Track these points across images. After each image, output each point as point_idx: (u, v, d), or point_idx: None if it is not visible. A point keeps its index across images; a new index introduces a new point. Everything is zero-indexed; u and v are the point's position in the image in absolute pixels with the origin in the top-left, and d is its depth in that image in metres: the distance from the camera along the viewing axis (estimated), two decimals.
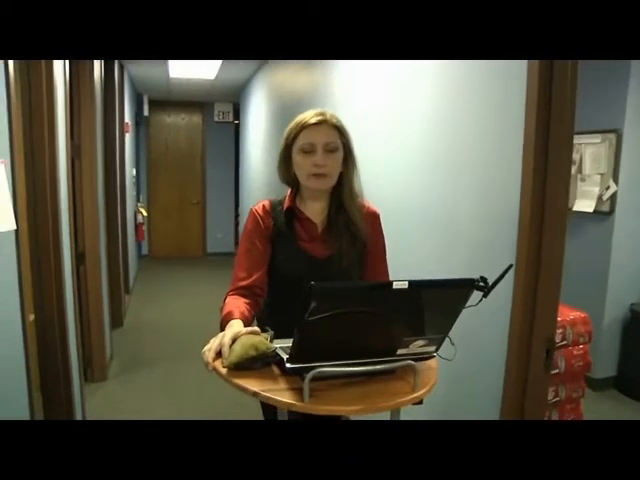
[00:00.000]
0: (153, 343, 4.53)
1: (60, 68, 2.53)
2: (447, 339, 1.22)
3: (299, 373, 1.09)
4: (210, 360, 1.17)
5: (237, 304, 1.40)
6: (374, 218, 1.62)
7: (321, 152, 1.47)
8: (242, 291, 1.47)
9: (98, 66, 3.80)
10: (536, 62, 1.44)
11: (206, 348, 1.20)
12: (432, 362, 1.26)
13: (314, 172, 1.48)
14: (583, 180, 3.68)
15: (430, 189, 2.09)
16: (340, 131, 1.51)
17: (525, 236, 1.50)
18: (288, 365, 1.11)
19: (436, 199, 2.04)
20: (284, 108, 4.60)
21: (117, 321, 4.88)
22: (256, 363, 1.18)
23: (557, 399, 2.14)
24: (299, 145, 1.49)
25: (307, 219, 1.57)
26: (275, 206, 1.59)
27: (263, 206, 1.59)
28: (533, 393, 1.58)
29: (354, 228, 1.54)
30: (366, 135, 2.77)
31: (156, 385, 3.67)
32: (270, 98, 5.26)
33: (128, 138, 6.05)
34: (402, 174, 2.34)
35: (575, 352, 2.11)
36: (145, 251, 8.41)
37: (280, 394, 1.08)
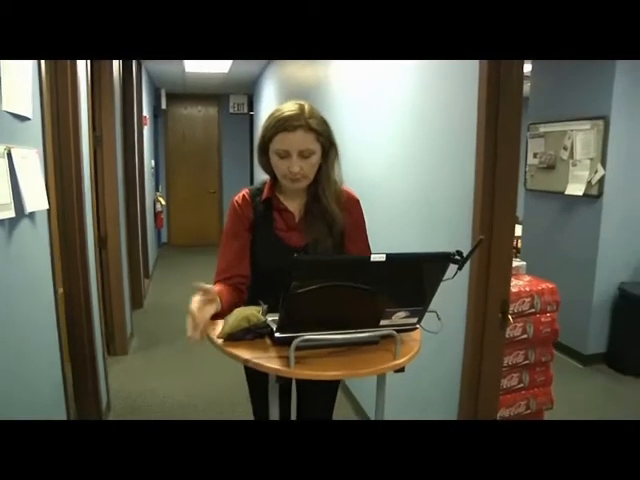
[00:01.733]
0: (170, 323, 4.83)
1: (83, 66, 2.81)
2: (435, 314, 1.29)
3: (287, 342, 1.16)
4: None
5: (220, 289, 1.47)
6: (354, 203, 1.63)
7: (296, 158, 1.47)
8: (226, 281, 1.54)
9: (117, 63, 4.08)
10: (485, 62, 1.67)
11: (188, 333, 1.29)
12: (416, 334, 1.32)
13: (290, 177, 1.50)
14: (574, 165, 3.87)
15: (410, 178, 2.34)
16: (317, 132, 1.48)
17: (478, 214, 1.73)
18: (277, 335, 1.21)
19: (416, 187, 2.28)
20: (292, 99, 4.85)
21: (137, 302, 5.21)
22: (248, 334, 1.27)
23: (527, 362, 2.37)
24: (275, 148, 1.49)
25: (285, 209, 1.60)
26: (254, 195, 1.61)
27: (243, 196, 1.62)
28: (490, 347, 1.83)
29: (329, 218, 1.56)
30: (354, 126, 3.02)
31: (171, 360, 3.98)
32: (280, 90, 5.51)
33: (146, 130, 6.35)
34: (387, 164, 2.58)
35: (543, 319, 2.33)
36: (164, 239, 8.75)
37: (269, 361, 1.17)
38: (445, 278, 1.20)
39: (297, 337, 1.16)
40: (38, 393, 1.90)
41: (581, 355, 3.91)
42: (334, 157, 1.56)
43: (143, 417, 3.10)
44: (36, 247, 1.93)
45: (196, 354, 3.97)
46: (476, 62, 1.73)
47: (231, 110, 8.71)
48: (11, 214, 1.59)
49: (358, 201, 1.65)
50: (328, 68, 3.57)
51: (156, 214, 7.42)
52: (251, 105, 8.49)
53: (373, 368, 1.20)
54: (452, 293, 1.91)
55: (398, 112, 2.43)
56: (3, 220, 1.56)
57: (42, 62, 1.99)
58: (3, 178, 1.56)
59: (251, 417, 1.85)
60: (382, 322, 1.25)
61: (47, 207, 1.95)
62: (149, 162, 6.76)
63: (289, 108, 1.49)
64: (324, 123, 1.52)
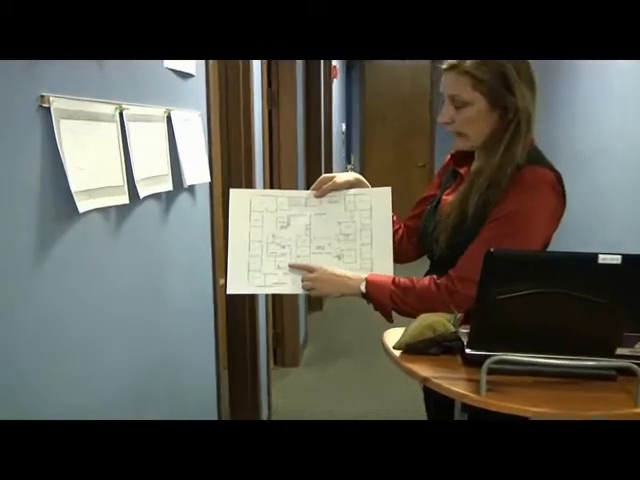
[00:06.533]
0: (354, 330, 5.06)
1: None
2: None
3: (480, 362, 1.17)
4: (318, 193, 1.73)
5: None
6: (520, 187, 1.53)
7: (447, 104, 1.58)
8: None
9: None
10: None
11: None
12: None
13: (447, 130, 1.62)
14: None
15: None
16: (475, 78, 1.51)
17: None
18: (467, 351, 1.25)
19: None
20: None
21: (315, 303, 5.54)
22: (432, 347, 1.33)
23: None
24: None
25: (459, 172, 1.71)
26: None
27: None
28: None
29: (480, 197, 1.55)
30: None
31: (349, 377, 4.20)
32: None
33: (336, 85, 6.64)
34: None
35: None
36: None
37: (454, 383, 1.20)
38: None
39: (491, 356, 1.17)
40: (184, 404, 2.13)
41: None
42: (517, 126, 1.54)
43: None
44: (195, 228, 2.18)
45: (381, 371, 4.10)
46: None
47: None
48: (169, 187, 1.81)
49: (534, 186, 1.53)
50: None
51: None
52: None
53: (597, 411, 1.16)
54: None
55: None
56: (160, 194, 1.78)
57: None
58: (162, 146, 1.79)
59: None
60: (619, 350, 1.23)
61: (209, 180, 2.19)
62: (339, 126, 7.08)
63: None
64: (493, 72, 1.51)
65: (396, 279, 1.58)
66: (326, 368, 4.38)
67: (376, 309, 1.61)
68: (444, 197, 1.71)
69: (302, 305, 4.61)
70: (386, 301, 1.56)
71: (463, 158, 1.72)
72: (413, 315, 1.54)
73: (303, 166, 4.57)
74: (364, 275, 1.61)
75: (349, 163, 8.40)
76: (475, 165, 1.65)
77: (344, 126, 7.86)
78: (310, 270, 1.64)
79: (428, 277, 1.58)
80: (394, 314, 1.60)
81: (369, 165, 9.02)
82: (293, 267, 1.66)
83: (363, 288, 1.59)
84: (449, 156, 1.81)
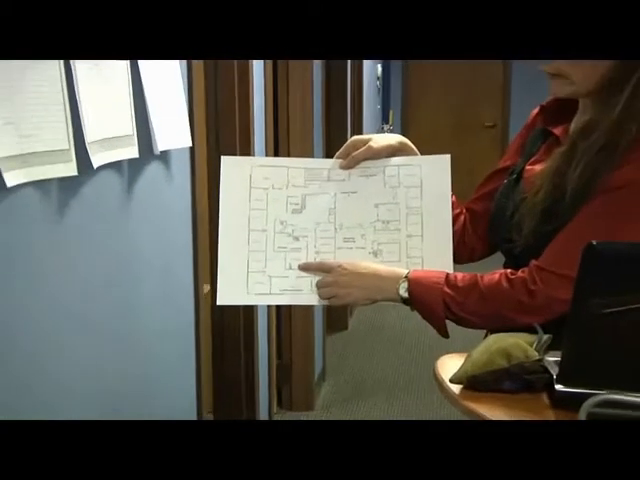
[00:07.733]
0: (393, 357, 5.11)
1: None
2: None
3: (575, 402, 1.16)
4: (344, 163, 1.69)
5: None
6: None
7: None
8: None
9: None
10: None
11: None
12: None
13: (543, 69, 1.61)
14: None
15: None
16: None
17: None
18: (558, 387, 1.26)
19: None
20: None
21: (338, 321, 5.60)
22: (507, 381, 1.33)
23: None
24: None
25: (552, 133, 1.70)
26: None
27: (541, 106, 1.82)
28: None
29: (587, 166, 1.52)
30: None
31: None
32: None
33: None
34: None
35: None
36: None
37: None
38: None
39: (594, 395, 1.16)
40: None
41: None
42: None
43: None
44: (170, 212, 2.19)
45: (431, 415, 4.09)
46: None
47: None
48: (133, 153, 1.82)
49: None
50: None
51: None
52: None
53: None
54: None
55: None
56: (120, 162, 1.79)
57: None
58: (124, 96, 1.79)
59: None
60: None
61: (189, 145, 2.21)
62: (372, 70, 7.09)
63: None
64: None
65: (451, 275, 1.58)
66: (352, 412, 4.38)
67: (424, 318, 1.60)
68: (528, 167, 1.70)
69: (319, 322, 4.59)
70: (437, 306, 1.55)
71: (557, 113, 1.72)
72: (476, 326, 1.55)
73: (321, 125, 4.58)
74: (404, 271, 1.60)
75: (386, 122, 8.36)
76: (580, 121, 1.64)
77: (380, 69, 7.84)
78: (326, 270, 1.63)
79: (499, 271, 1.56)
80: (452, 326, 1.58)
81: (415, 124, 9.05)
82: (304, 269, 1.65)
83: (403, 291, 1.57)
84: (537, 109, 1.82)
